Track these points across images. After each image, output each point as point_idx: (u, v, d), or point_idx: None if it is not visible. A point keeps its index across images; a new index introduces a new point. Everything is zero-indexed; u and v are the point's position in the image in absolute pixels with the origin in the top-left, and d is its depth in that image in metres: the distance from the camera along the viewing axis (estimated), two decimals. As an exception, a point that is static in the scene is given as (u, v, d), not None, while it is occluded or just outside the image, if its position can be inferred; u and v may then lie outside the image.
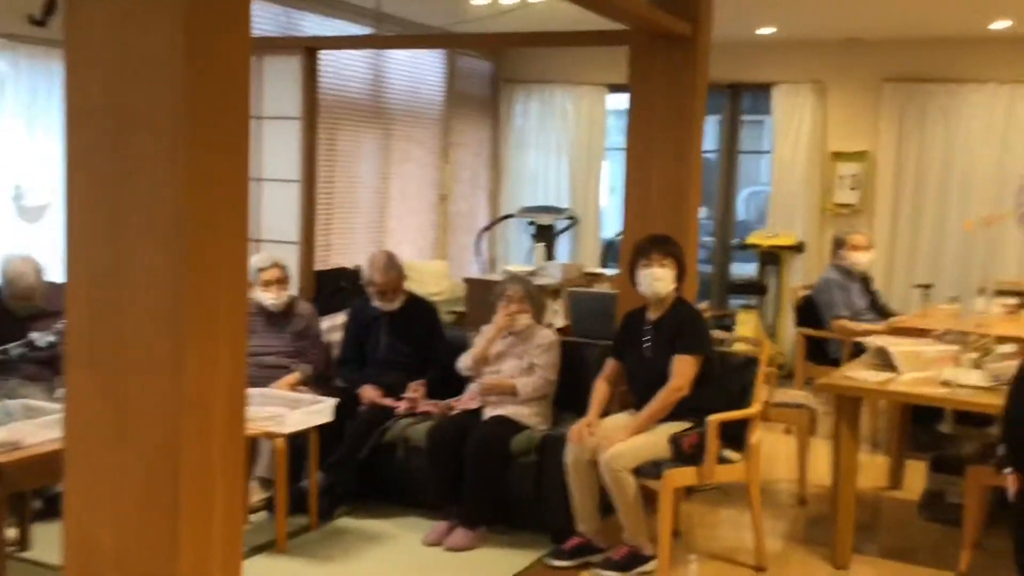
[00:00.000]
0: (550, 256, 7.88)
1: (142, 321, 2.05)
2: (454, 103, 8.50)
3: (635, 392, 4.08)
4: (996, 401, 3.73)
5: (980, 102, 7.48)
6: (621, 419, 4.03)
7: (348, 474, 4.39)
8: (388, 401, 4.51)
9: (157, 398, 2.04)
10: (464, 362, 4.48)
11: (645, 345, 4.02)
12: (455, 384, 4.59)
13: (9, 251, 4.60)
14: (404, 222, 8.01)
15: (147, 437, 2.06)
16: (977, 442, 5.96)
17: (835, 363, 5.91)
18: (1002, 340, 4.68)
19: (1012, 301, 6.50)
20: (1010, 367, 4.02)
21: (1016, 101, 7.37)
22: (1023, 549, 3.09)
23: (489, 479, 4.15)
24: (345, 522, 4.38)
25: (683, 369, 3.88)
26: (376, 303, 4.67)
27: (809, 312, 6.17)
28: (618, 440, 3.76)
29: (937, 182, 7.68)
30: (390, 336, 4.68)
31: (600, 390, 4.11)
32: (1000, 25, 6.84)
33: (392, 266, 4.66)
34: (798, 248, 7.78)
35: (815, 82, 7.97)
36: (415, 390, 4.54)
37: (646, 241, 4.06)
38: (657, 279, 3.95)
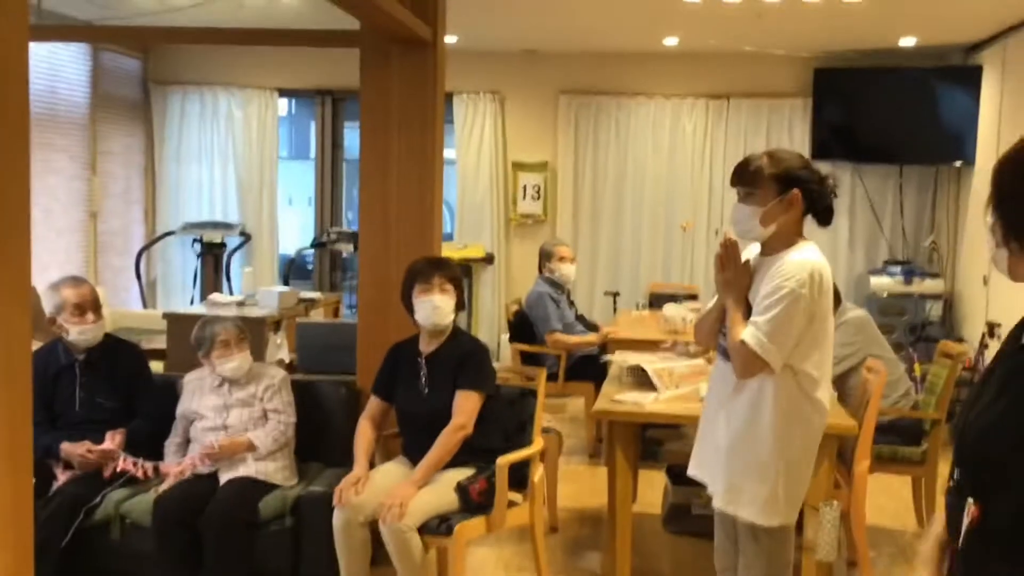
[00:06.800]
0: (227, 277, 7.13)
1: None
2: (102, 106, 7.44)
3: (409, 434, 3.64)
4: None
5: (648, 115, 7.82)
6: (392, 471, 3.56)
7: (46, 567, 3.51)
8: (96, 452, 3.68)
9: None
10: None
11: (421, 381, 3.59)
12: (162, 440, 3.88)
13: None
14: (48, 244, 6.86)
15: None
16: (680, 442, 6.19)
17: (552, 378, 5.83)
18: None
19: (697, 305, 6.84)
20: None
21: (682, 114, 7.80)
22: None
23: (236, 553, 3.50)
24: (45, 628, 3.50)
25: (467, 407, 3.50)
26: (72, 335, 3.77)
27: (522, 327, 6.04)
28: (404, 497, 3.30)
29: (612, 191, 7.93)
30: (86, 389, 3.82)
31: (365, 434, 3.62)
32: (670, 42, 7.17)
33: (80, 280, 3.87)
34: (487, 260, 7.68)
35: (494, 92, 7.93)
36: (112, 439, 3.74)
37: (424, 264, 3.63)
38: (437, 307, 3.54)
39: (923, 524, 4.62)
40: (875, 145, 7.57)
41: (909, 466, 4.46)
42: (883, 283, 7.34)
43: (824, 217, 2.78)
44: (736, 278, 2.76)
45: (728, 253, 2.77)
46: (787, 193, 2.70)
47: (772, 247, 2.76)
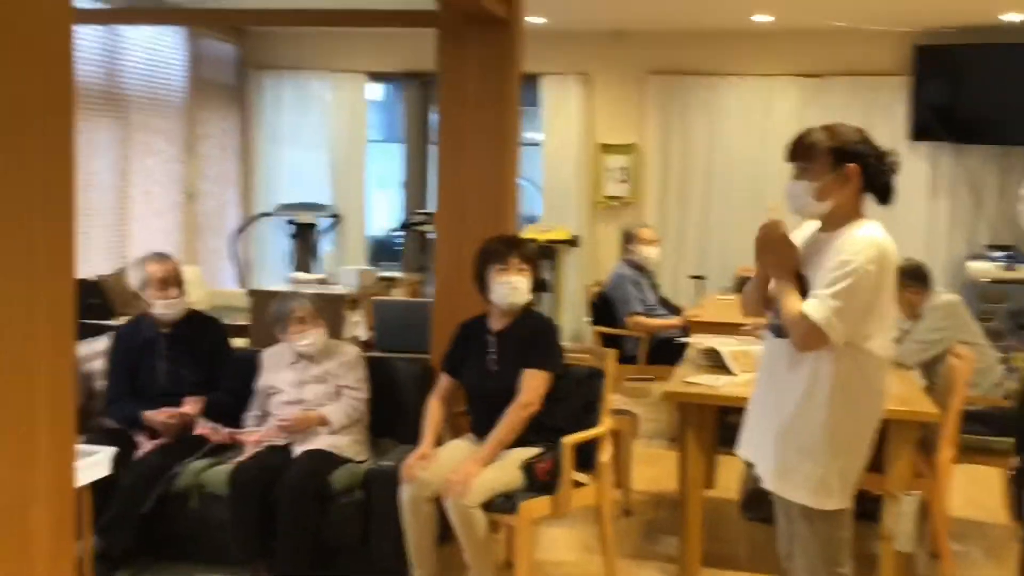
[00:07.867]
0: (314, 256, 7.27)
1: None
2: (199, 90, 7.66)
3: (477, 412, 3.66)
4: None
5: (740, 95, 7.66)
6: (459, 447, 3.59)
7: (126, 534, 3.65)
8: (177, 415, 3.81)
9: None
10: None
11: (490, 358, 3.60)
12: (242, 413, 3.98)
13: None
14: (147, 224, 7.10)
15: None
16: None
17: (632, 360, 5.78)
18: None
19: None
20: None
21: (774, 95, 7.61)
22: None
23: (307, 524, 3.58)
24: (128, 591, 3.65)
25: (533, 385, 3.50)
26: (158, 308, 3.92)
27: (604, 309, 6.00)
28: (468, 474, 3.31)
29: (701, 174, 7.80)
30: (170, 362, 3.95)
31: (434, 412, 3.65)
32: (761, 19, 7.00)
33: (166, 255, 4.03)
34: (572, 242, 7.65)
35: (581, 74, 7.87)
36: (192, 405, 3.87)
37: (500, 243, 3.63)
38: (515, 288, 3.54)
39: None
40: (978, 125, 7.27)
41: (1000, 457, 4.28)
42: (983, 268, 7.05)
43: (883, 195, 2.68)
44: (779, 261, 2.68)
45: (766, 236, 2.68)
46: (842, 167, 2.61)
47: (832, 224, 2.67)
